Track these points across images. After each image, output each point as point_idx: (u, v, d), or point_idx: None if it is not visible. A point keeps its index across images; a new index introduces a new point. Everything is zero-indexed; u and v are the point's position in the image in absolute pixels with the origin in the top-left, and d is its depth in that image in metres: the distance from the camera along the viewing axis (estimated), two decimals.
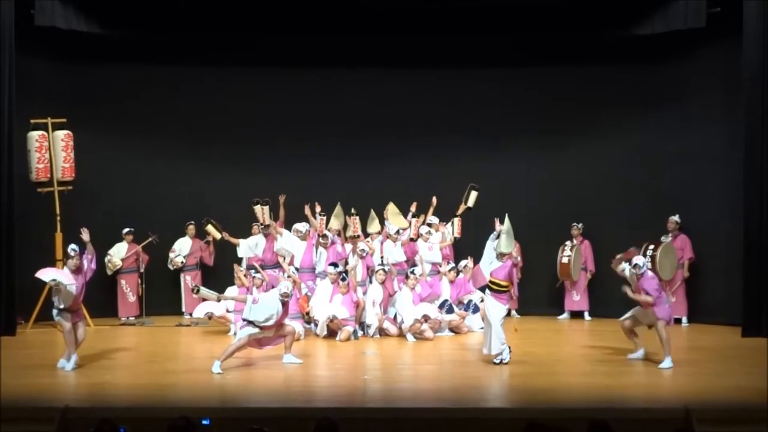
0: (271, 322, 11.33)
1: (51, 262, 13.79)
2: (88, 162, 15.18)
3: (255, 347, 11.56)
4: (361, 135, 16.25)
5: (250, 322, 11.34)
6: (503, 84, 16.14)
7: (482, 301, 14.37)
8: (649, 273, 11.60)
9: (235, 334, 13.91)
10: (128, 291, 15.59)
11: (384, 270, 14.04)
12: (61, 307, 11.14)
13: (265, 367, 11.46)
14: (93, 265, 11.56)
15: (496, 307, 11.49)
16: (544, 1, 14.87)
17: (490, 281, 11.61)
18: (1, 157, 13.68)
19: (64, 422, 8.45)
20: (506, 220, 11.72)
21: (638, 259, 11.58)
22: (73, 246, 11.52)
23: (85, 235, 11.49)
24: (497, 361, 11.42)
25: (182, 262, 15.71)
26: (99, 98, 15.66)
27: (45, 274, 11.32)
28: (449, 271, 14.54)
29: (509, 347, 11.51)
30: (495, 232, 11.72)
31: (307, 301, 14.08)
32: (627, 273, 11.47)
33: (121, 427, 6.95)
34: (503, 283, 11.50)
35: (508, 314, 14.28)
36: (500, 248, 11.59)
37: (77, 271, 11.27)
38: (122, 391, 10.46)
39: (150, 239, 15.45)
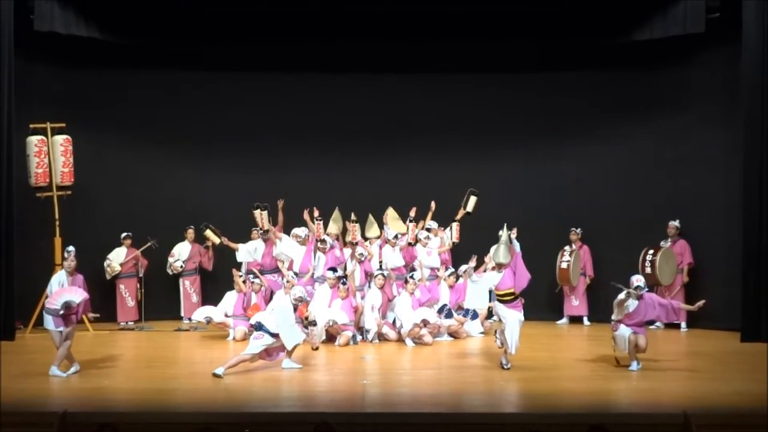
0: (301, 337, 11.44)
1: (50, 267, 13.82)
2: (87, 167, 15.19)
3: (264, 358, 11.53)
4: (360, 140, 16.25)
5: (266, 332, 11.33)
6: (503, 89, 16.15)
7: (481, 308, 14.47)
8: (653, 296, 11.59)
9: (234, 339, 13.95)
10: (127, 296, 15.58)
11: (383, 275, 14.04)
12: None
13: (265, 371, 11.44)
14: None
15: (510, 313, 11.43)
16: (544, 8, 14.88)
17: (498, 294, 11.57)
18: (0, 161, 13.67)
19: (63, 427, 8.44)
20: (504, 230, 11.68)
21: (638, 281, 11.51)
22: (68, 248, 11.54)
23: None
24: (507, 366, 11.45)
25: (181, 267, 15.70)
26: (98, 103, 15.66)
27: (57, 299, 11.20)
28: (448, 276, 14.53)
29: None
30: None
31: (306, 306, 14.06)
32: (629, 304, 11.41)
33: None
34: (509, 292, 11.45)
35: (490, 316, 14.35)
36: (498, 259, 11.53)
37: (73, 273, 11.25)
38: (121, 396, 10.43)
39: (149, 244, 15.44)
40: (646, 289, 11.56)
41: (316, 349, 12.15)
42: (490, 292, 12.88)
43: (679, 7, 14.31)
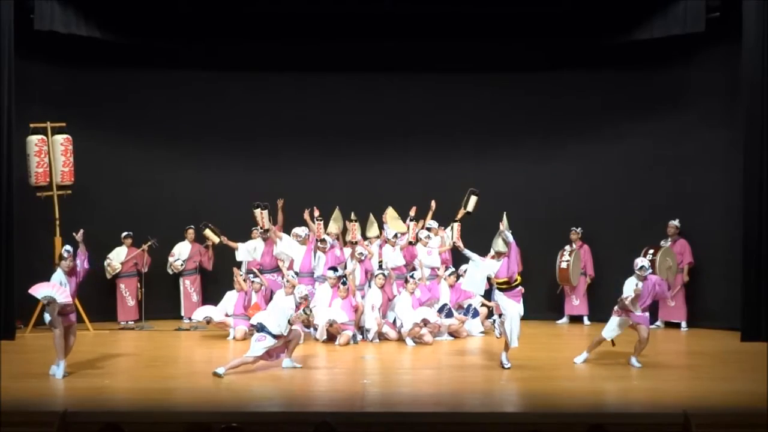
0: (285, 330, 11.39)
1: (50, 267, 13.77)
2: (87, 166, 15.19)
3: (265, 359, 11.52)
4: (360, 139, 16.26)
5: (268, 333, 11.33)
6: (503, 89, 16.15)
7: (481, 305, 14.48)
8: (654, 276, 11.68)
9: (234, 338, 13.96)
10: (127, 295, 15.59)
11: (383, 274, 14.04)
12: (55, 315, 11.07)
13: (265, 371, 11.45)
14: (86, 265, 11.39)
15: (510, 304, 11.47)
16: (544, 7, 14.88)
17: (497, 283, 11.60)
18: (1, 161, 13.68)
19: (63, 427, 8.45)
20: (504, 219, 11.77)
21: (642, 261, 11.61)
22: (66, 247, 11.49)
23: (79, 236, 11.44)
24: (508, 366, 11.45)
25: (181, 267, 15.70)
26: (98, 102, 15.66)
27: (37, 291, 11.09)
28: (449, 275, 14.53)
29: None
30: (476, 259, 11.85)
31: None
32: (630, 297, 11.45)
33: None
34: (505, 280, 11.47)
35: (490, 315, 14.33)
36: (497, 248, 11.60)
37: (71, 272, 11.21)
38: (121, 396, 10.44)
39: (149, 243, 15.44)
40: (650, 271, 11.61)
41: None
42: (488, 291, 12.92)
43: (679, 6, 14.31)
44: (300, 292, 11.75)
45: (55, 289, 11.05)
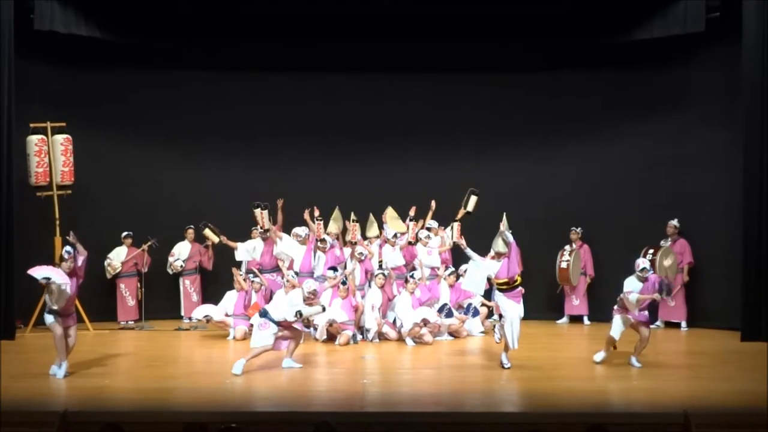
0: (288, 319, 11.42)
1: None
2: (87, 166, 15.19)
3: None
4: (360, 139, 16.26)
5: (270, 320, 11.34)
6: (503, 89, 16.15)
7: (482, 305, 14.49)
8: (654, 275, 11.70)
9: (234, 338, 13.96)
10: (127, 295, 15.59)
11: (383, 274, 14.04)
12: (54, 307, 11.05)
13: (265, 371, 11.45)
14: (79, 263, 11.30)
15: (510, 305, 11.47)
16: (544, 7, 14.88)
17: (497, 283, 11.59)
18: (1, 161, 13.68)
19: (63, 427, 8.45)
20: (504, 220, 11.78)
21: (643, 262, 11.60)
22: (67, 248, 11.45)
23: (72, 237, 11.40)
24: (508, 366, 11.45)
25: (181, 267, 15.70)
26: (98, 102, 15.66)
27: (37, 272, 11.09)
28: (449, 275, 14.54)
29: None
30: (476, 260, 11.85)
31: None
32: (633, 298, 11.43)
33: None
34: (505, 281, 11.47)
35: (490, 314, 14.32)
36: (497, 248, 11.60)
37: (71, 273, 11.19)
38: (121, 396, 10.43)
39: (149, 243, 15.43)
40: (651, 271, 11.64)
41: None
42: (488, 291, 12.92)
43: (679, 6, 14.32)
44: (309, 286, 11.74)
45: (54, 271, 11.06)
